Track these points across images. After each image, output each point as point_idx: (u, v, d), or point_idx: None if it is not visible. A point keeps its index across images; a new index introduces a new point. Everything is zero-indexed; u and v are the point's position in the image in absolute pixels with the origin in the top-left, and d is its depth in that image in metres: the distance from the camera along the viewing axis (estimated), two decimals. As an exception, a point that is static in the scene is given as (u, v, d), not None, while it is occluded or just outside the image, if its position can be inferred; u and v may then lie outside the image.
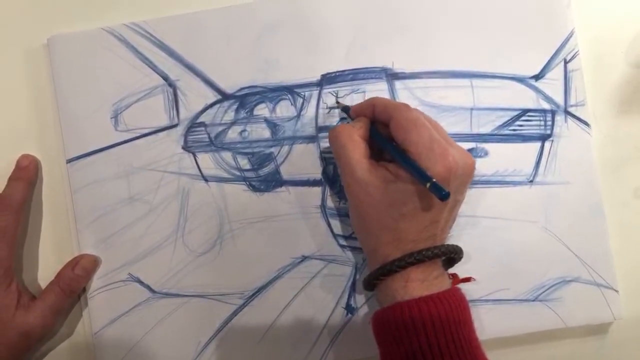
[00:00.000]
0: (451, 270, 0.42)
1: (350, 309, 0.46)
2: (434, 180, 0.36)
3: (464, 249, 0.41)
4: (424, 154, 0.37)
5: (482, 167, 0.46)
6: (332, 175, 0.46)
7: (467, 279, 0.43)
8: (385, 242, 0.39)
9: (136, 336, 0.45)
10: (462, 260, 0.42)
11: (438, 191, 0.36)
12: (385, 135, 0.41)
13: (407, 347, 0.36)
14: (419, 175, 0.37)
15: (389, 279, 0.38)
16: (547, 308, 0.45)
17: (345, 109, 0.45)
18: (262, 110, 0.47)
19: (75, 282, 0.45)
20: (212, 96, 0.47)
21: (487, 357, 0.37)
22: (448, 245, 0.40)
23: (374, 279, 0.39)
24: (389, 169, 0.39)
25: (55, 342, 0.46)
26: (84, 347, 0.46)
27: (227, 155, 0.47)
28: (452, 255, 0.40)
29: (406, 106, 0.40)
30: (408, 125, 0.39)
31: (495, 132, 0.46)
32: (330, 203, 0.46)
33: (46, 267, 0.47)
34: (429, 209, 0.38)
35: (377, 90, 0.46)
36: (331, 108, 0.46)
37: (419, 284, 0.38)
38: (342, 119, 0.46)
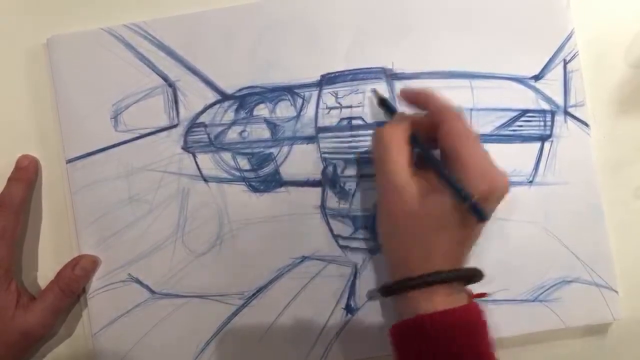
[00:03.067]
0: None
1: (350, 310, 0.46)
2: (474, 200, 0.36)
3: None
4: (472, 170, 0.37)
5: (482, 167, 0.46)
6: (332, 176, 0.46)
7: (482, 295, 0.43)
8: (416, 254, 0.38)
9: (136, 337, 0.45)
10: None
11: (477, 213, 0.36)
12: (426, 138, 0.40)
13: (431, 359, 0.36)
14: (459, 193, 0.36)
15: (415, 291, 0.38)
16: (546, 308, 0.45)
17: (383, 102, 0.44)
18: (262, 110, 0.47)
19: (74, 282, 0.45)
20: (212, 96, 0.47)
21: None
22: (475, 268, 0.39)
23: (398, 289, 0.39)
24: (427, 180, 0.39)
25: (55, 342, 0.46)
26: (84, 347, 0.46)
27: (226, 156, 0.47)
28: (478, 278, 0.40)
29: (459, 114, 0.39)
30: (461, 137, 0.38)
31: (495, 132, 0.46)
32: (330, 204, 0.46)
33: (46, 267, 0.47)
34: (464, 226, 0.38)
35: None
36: (331, 108, 0.46)
37: (444, 297, 0.37)
38: (342, 119, 0.46)
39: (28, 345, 0.44)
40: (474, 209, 0.36)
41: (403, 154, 0.39)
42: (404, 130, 0.40)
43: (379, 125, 0.46)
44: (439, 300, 0.37)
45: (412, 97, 0.42)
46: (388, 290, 0.40)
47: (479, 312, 0.38)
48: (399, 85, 0.46)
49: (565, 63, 0.47)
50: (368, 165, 0.46)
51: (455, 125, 0.38)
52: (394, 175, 0.39)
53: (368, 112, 0.46)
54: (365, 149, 0.46)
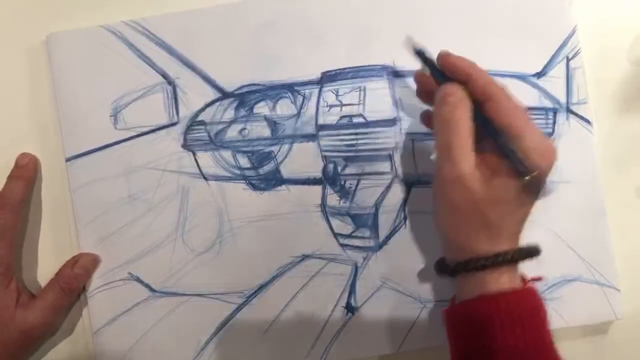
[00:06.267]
0: None
1: (350, 308, 0.45)
2: (534, 175, 0.36)
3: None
4: (533, 147, 0.36)
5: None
6: (333, 174, 0.46)
7: (538, 278, 0.42)
8: (484, 238, 0.37)
9: (136, 335, 0.45)
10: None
11: (536, 188, 0.37)
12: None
13: (491, 341, 0.36)
14: (521, 167, 0.36)
15: (481, 272, 0.37)
16: (548, 307, 0.45)
17: (421, 53, 0.41)
18: (262, 108, 0.46)
19: (74, 280, 0.44)
20: (212, 94, 0.46)
21: None
22: (535, 245, 0.39)
23: (464, 269, 0.38)
24: (486, 162, 0.37)
25: (55, 341, 0.46)
26: (84, 346, 0.46)
27: (227, 154, 0.46)
28: (537, 254, 0.40)
29: (505, 89, 0.38)
30: (515, 112, 0.37)
31: (497, 130, 0.46)
32: (330, 202, 0.46)
33: (46, 265, 0.46)
34: (526, 204, 0.38)
35: (378, 88, 0.46)
36: (332, 106, 0.46)
37: (509, 278, 0.37)
38: (342, 117, 0.46)
39: (28, 344, 0.44)
40: (533, 185, 0.36)
41: (469, 137, 0.37)
42: (468, 109, 0.38)
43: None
44: (504, 281, 0.37)
45: (453, 67, 0.40)
46: (449, 269, 0.39)
47: (539, 296, 0.38)
48: (400, 83, 0.46)
49: (568, 60, 0.46)
50: (368, 163, 0.46)
51: (505, 100, 0.38)
52: (459, 163, 0.37)
53: (369, 110, 0.46)
54: (366, 147, 0.46)
